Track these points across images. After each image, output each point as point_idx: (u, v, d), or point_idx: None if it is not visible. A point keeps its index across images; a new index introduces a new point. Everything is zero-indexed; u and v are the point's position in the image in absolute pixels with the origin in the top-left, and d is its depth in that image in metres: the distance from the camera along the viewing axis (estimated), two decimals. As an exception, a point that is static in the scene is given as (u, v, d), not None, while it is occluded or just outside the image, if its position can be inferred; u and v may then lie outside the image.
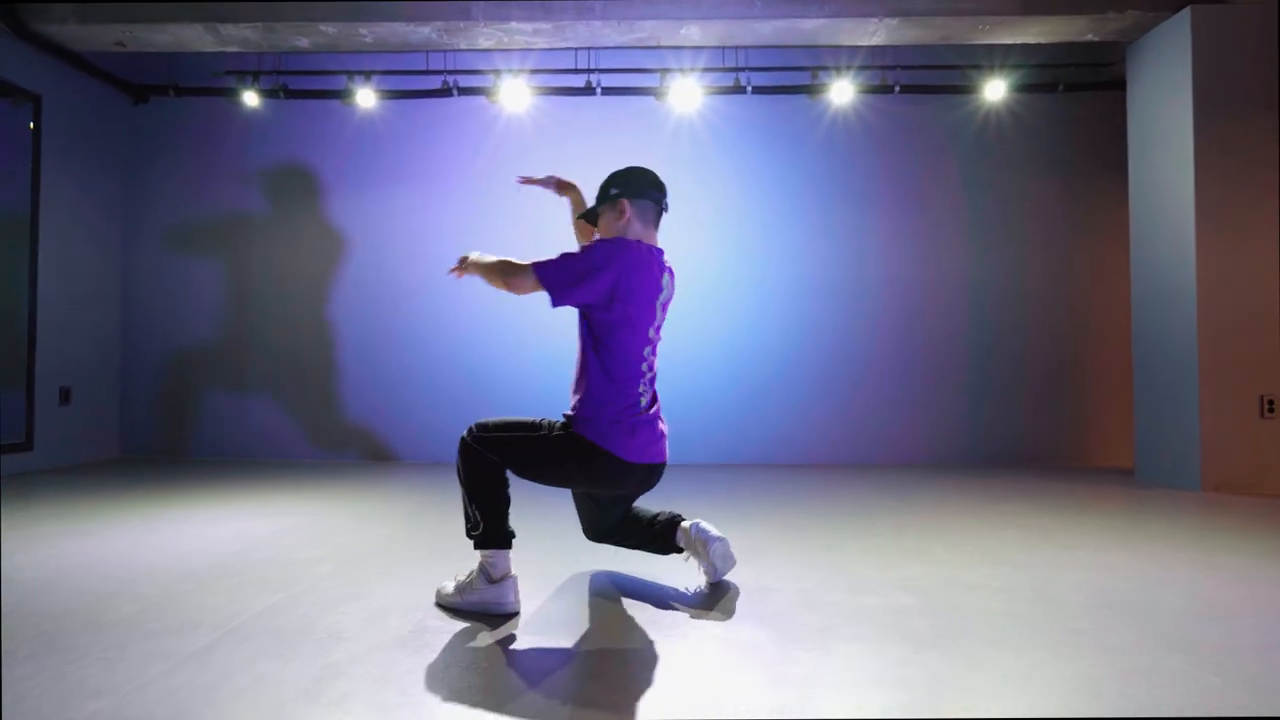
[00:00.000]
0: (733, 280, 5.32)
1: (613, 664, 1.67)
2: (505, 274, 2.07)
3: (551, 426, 2.07)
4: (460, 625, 1.92)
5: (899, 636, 1.84)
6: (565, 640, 1.82)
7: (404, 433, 5.38)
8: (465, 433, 2.07)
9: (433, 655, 1.71)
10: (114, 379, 5.36)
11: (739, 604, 2.11)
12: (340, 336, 5.43)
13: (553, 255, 2.03)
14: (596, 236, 2.27)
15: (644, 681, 1.57)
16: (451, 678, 1.58)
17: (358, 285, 5.44)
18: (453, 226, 5.41)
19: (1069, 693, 1.52)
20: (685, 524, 2.30)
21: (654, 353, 2.13)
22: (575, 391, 2.11)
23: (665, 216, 2.22)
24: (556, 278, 2.01)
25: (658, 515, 2.35)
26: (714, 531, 2.26)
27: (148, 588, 2.22)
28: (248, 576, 2.36)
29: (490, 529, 2.05)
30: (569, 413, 2.09)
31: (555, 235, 5.26)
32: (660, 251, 2.15)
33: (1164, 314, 4.35)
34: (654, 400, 2.15)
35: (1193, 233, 4.12)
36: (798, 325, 5.33)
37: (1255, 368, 4.09)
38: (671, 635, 1.86)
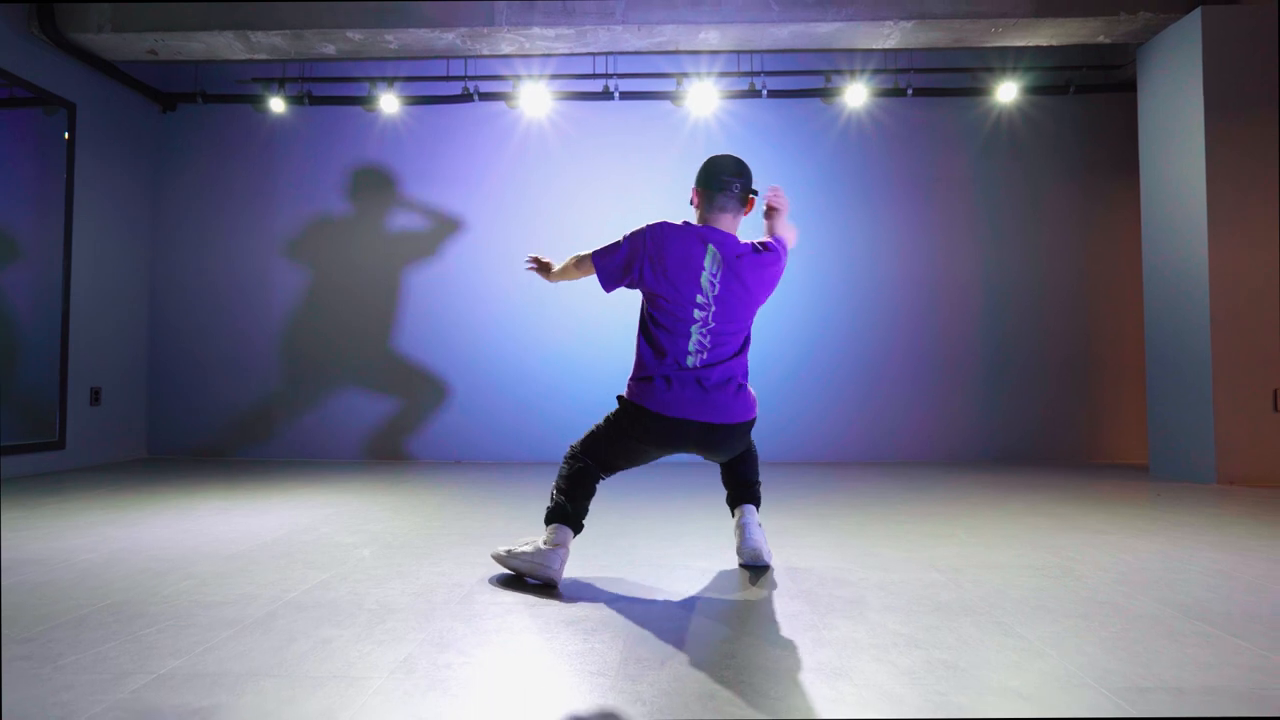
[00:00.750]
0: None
1: (655, 625, 1.74)
2: (579, 267, 2.36)
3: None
4: (509, 596, 1.99)
5: (930, 607, 1.91)
6: (607, 611, 1.89)
7: (428, 434, 5.46)
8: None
9: (486, 623, 1.78)
10: (142, 380, 5.47)
11: (773, 580, 2.18)
12: (363, 339, 5.52)
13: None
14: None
15: (687, 643, 1.64)
16: (507, 642, 1.65)
17: (382, 288, 5.54)
18: (475, 230, 5.51)
19: (1100, 653, 1.58)
20: (737, 512, 2.41)
21: (709, 322, 2.19)
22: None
23: (667, 216, 2.35)
24: (599, 264, 2.27)
25: (735, 488, 2.44)
26: (750, 532, 2.34)
27: (200, 567, 2.30)
28: (294, 558, 2.44)
29: (560, 505, 2.17)
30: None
31: (573, 236, 5.37)
32: (714, 231, 2.25)
33: (1177, 312, 4.41)
34: (712, 366, 2.19)
35: (1205, 232, 4.18)
36: (814, 325, 5.41)
37: (1267, 363, 4.14)
38: (711, 607, 1.93)
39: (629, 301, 4.86)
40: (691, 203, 2.37)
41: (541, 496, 3.93)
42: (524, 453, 5.41)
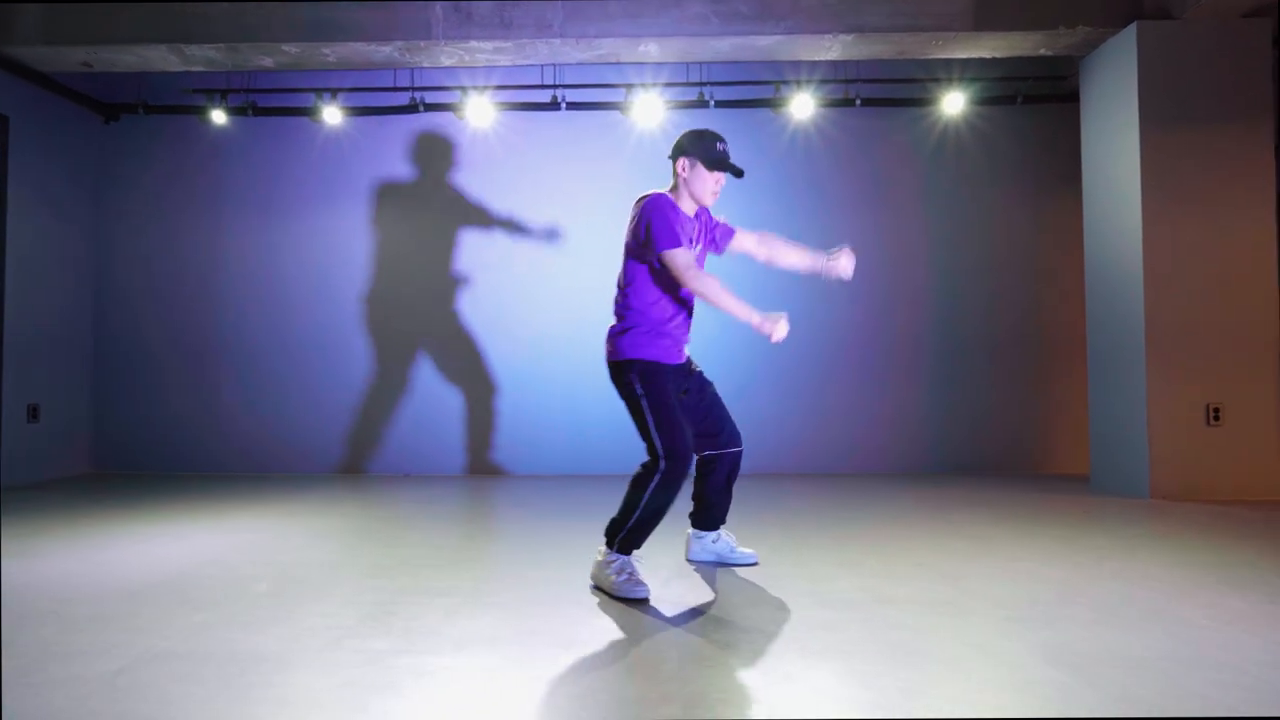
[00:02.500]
0: (698, 292, 5.36)
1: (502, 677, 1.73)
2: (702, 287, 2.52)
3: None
4: (381, 644, 1.97)
5: (798, 652, 1.89)
6: (446, 659, 1.88)
7: (378, 447, 5.42)
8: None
9: (340, 675, 1.76)
10: (86, 395, 5.42)
11: (650, 619, 2.17)
12: (313, 350, 5.48)
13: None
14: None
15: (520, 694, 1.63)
16: (353, 699, 1.63)
17: (330, 299, 5.50)
18: (420, 240, 5.48)
19: (944, 706, 1.57)
20: (690, 531, 2.79)
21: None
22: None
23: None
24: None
25: (699, 502, 2.78)
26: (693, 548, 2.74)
27: (80, 608, 2.27)
28: (186, 595, 2.41)
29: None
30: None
31: (522, 247, 5.36)
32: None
33: (1114, 326, 4.41)
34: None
35: (1140, 246, 4.18)
36: (757, 337, 5.37)
37: (1202, 377, 4.15)
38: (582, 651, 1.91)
39: (585, 312, 4.79)
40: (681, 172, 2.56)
41: (481, 514, 3.92)
42: (478, 464, 5.38)
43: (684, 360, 2.66)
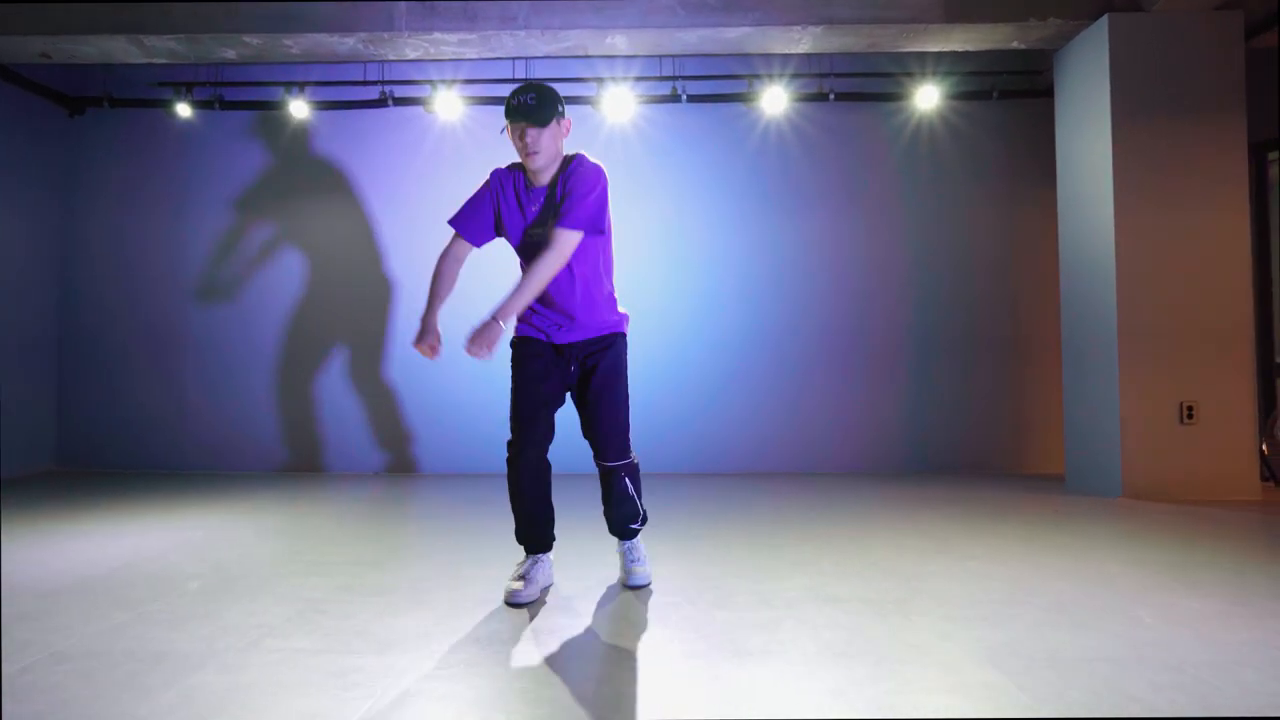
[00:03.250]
0: (675, 290, 5.30)
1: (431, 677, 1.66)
2: (556, 266, 2.23)
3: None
4: (304, 642, 1.90)
5: (729, 653, 1.83)
6: (376, 660, 1.81)
7: (347, 444, 5.35)
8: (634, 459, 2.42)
9: (246, 676, 1.69)
10: (51, 391, 5.33)
11: (592, 609, 2.11)
12: (279, 346, 5.40)
13: (579, 208, 2.23)
14: (545, 145, 2.28)
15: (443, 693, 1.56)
16: (255, 702, 1.57)
17: (299, 293, 5.42)
18: (388, 234, 5.41)
19: (868, 707, 1.51)
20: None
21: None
22: (600, 306, 2.36)
23: None
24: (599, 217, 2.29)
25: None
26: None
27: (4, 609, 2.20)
28: (112, 593, 2.35)
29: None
30: (618, 328, 2.39)
31: (493, 244, 5.27)
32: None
33: (1087, 323, 4.36)
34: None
35: (1112, 242, 4.13)
36: (737, 334, 5.32)
37: (1175, 374, 4.09)
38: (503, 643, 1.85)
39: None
40: (567, 132, 2.38)
41: (439, 515, 3.84)
42: (446, 464, 5.31)
43: (556, 342, 2.38)
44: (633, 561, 2.45)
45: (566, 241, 2.21)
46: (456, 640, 1.93)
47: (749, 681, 1.66)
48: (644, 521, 2.51)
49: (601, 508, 2.47)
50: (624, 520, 2.45)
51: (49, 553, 2.91)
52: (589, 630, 2.02)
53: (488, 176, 2.40)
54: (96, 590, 2.39)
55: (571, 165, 2.33)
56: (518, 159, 2.36)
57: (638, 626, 2.04)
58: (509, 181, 2.38)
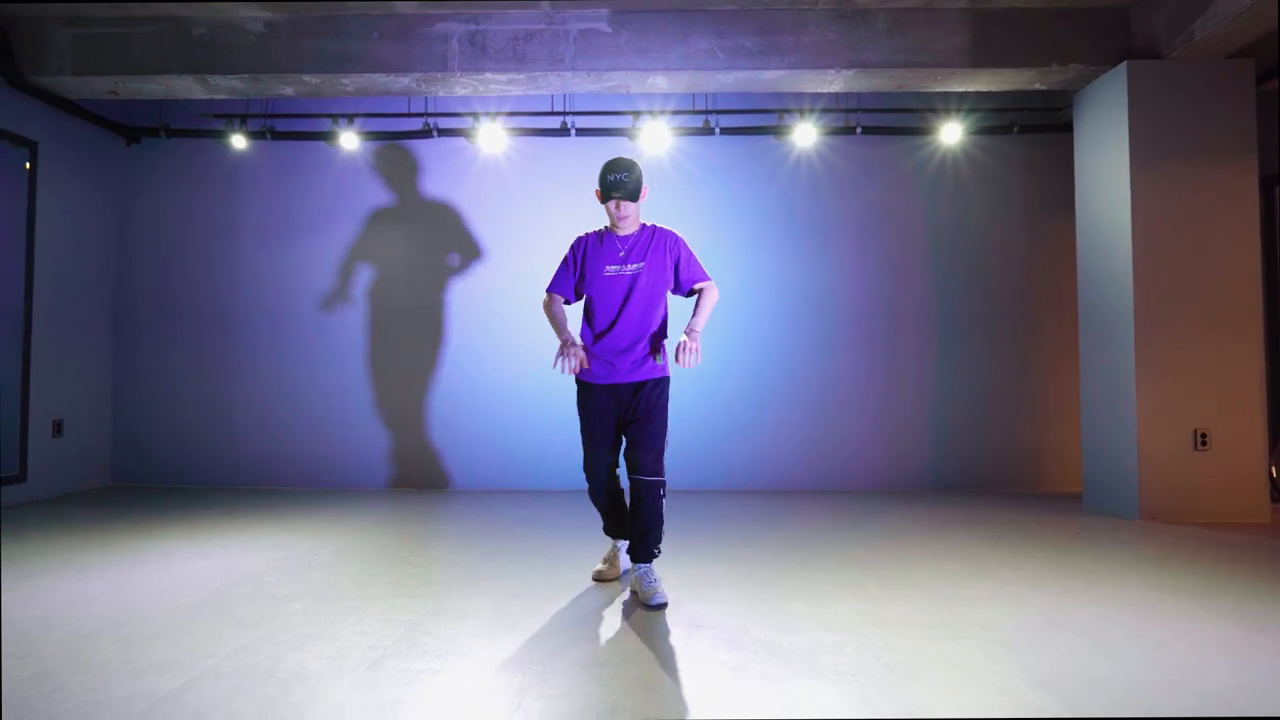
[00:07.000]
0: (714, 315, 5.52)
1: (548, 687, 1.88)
2: (716, 298, 3.04)
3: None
4: (419, 664, 2.12)
5: (808, 673, 2.05)
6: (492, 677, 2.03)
7: (392, 461, 5.57)
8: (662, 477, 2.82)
9: (384, 694, 1.91)
10: (107, 410, 5.56)
11: (671, 639, 2.32)
12: (329, 367, 5.63)
13: (698, 265, 3.08)
14: (633, 211, 2.88)
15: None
16: (399, 717, 1.79)
17: (347, 317, 5.65)
18: (432, 263, 5.63)
19: (940, 729, 1.73)
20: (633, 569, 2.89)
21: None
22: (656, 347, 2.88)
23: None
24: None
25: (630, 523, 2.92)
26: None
27: (131, 628, 2.42)
28: (227, 614, 2.56)
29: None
30: (663, 372, 2.89)
31: (528, 269, 5.52)
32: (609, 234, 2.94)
33: (1106, 350, 4.58)
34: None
35: (1130, 275, 4.35)
36: (766, 358, 5.55)
37: (1189, 402, 4.31)
38: (595, 668, 2.06)
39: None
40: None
41: (499, 530, 4.06)
42: (499, 479, 5.53)
43: (620, 382, 2.86)
44: (653, 582, 2.77)
45: (713, 284, 3.01)
46: (558, 663, 2.15)
47: (828, 701, 1.87)
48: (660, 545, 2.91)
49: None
50: (653, 542, 2.84)
51: (143, 572, 3.13)
52: (670, 651, 2.24)
53: (572, 243, 3.04)
54: (209, 612, 2.61)
55: (656, 229, 2.98)
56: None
57: (714, 649, 2.26)
58: (591, 239, 3.01)
